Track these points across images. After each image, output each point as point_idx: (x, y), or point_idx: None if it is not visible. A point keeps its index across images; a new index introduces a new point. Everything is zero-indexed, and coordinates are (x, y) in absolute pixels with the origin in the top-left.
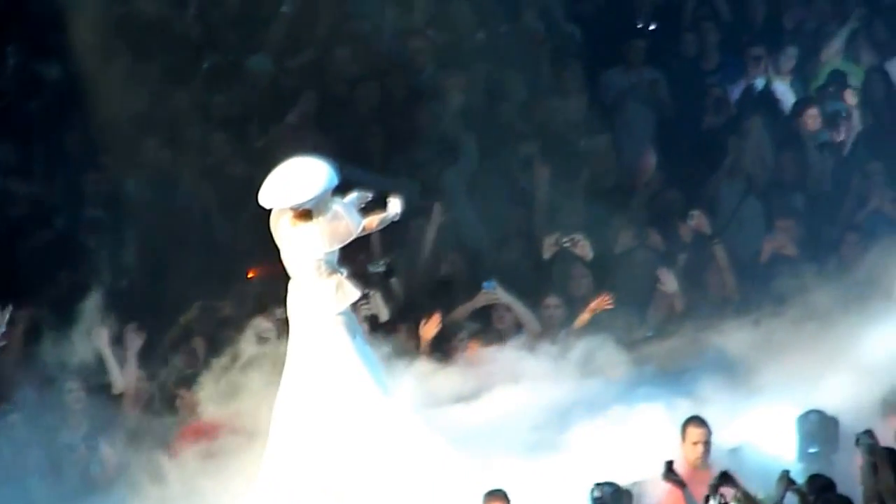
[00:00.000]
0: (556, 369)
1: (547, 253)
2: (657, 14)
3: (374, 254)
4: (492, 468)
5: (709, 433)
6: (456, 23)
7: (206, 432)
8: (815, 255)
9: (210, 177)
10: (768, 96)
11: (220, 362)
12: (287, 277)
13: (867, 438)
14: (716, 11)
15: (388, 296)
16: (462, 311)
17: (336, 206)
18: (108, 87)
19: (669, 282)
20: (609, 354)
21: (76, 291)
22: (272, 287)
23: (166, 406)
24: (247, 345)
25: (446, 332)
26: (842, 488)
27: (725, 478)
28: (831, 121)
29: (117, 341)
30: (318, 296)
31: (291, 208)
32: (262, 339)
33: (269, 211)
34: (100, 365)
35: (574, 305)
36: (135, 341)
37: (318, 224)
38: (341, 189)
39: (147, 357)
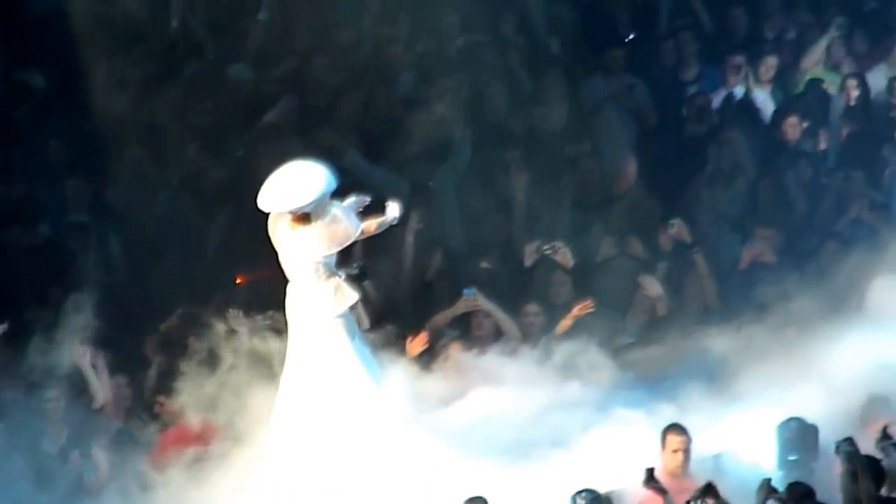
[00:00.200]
0: (537, 374)
1: (528, 260)
2: (637, 23)
3: (351, 257)
4: (471, 473)
5: (689, 441)
6: (437, 31)
7: (188, 439)
8: (796, 263)
9: (191, 184)
10: (748, 105)
11: (200, 369)
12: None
13: (847, 446)
14: (696, 20)
15: (364, 300)
16: (442, 317)
17: (335, 209)
18: (92, 94)
19: (652, 286)
20: (590, 361)
21: (60, 296)
22: (254, 293)
23: (147, 413)
24: (227, 351)
25: (428, 337)
26: (821, 496)
27: (709, 490)
28: (812, 129)
29: (103, 349)
30: (317, 298)
31: (290, 212)
32: (243, 345)
33: (266, 214)
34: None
35: (554, 313)
36: (99, 363)
37: (316, 227)
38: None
39: (128, 364)
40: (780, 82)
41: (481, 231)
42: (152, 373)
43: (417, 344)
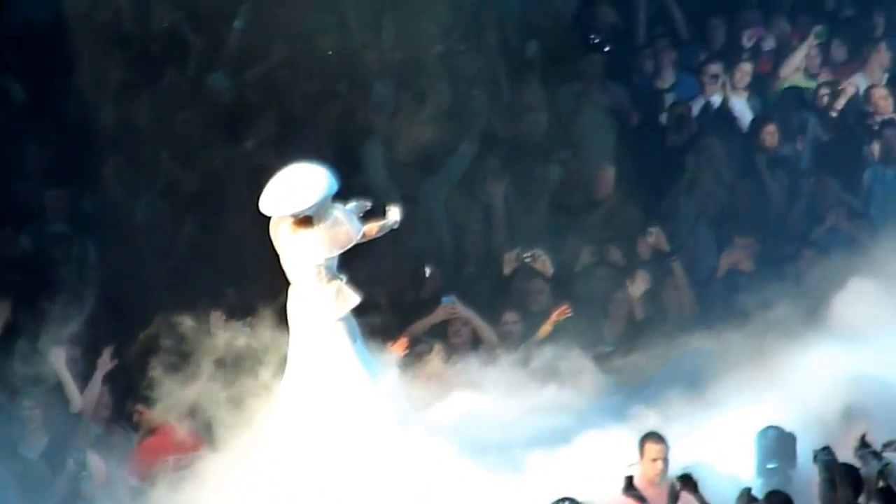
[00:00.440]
0: (516, 380)
1: (507, 268)
2: (616, 31)
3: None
4: (450, 477)
5: (667, 449)
6: (416, 39)
7: (167, 447)
8: (774, 271)
9: (170, 191)
10: (726, 113)
11: (179, 377)
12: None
13: (825, 455)
14: (673, 29)
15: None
16: (421, 325)
17: (336, 212)
18: (72, 104)
19: (637, 284)
20: (570, 367)
21: (44, 303)
22: (234, 300)
23: (127, 421)
24: (207, 359)
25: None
26: None
27: (688, 481)
28: (790, 138)
29: (85, 357)
30: (319, 301)
31: (292, 215)
32: (223, 353)
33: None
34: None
35: (533, 320)
36: (105, 364)
37: (318, 230)
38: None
39: (109, 372)
40: (759, 90)
41: (462, 238)
42: (131, 381)
43: (397, 349)
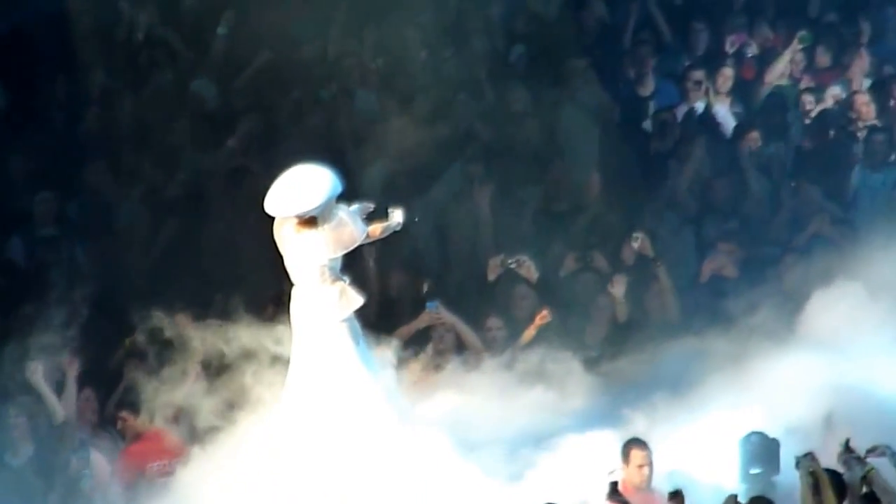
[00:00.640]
0: (500, 385)
1: (492, 274)
2: (600, 37)
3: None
4: (450, 477)
5: (651, 454)
6: (400, 45)
7: (151, 454)
8: (757, 276)
9: (154, 197)
10: (709, 120)
11: (163, 384)
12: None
13: (808, 461)
14: (657, 35)
15: None
16: (405, 330)
17: (341, 213)
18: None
19: (618, 286)
20: (554, 371)
21: (29, 311)
22: (219, 305)
23: (112, 427)
24: (191, 366)
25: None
26: None
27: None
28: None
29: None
30: (322, 302)
31: (297, 216)
32: (208, 358)
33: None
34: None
35: (517, 326)
36: (73, 367)
37: (322, 231)
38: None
39: (94, 378)
40: (742, 96)
41: (446, 244)
42: (116, 387)
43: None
